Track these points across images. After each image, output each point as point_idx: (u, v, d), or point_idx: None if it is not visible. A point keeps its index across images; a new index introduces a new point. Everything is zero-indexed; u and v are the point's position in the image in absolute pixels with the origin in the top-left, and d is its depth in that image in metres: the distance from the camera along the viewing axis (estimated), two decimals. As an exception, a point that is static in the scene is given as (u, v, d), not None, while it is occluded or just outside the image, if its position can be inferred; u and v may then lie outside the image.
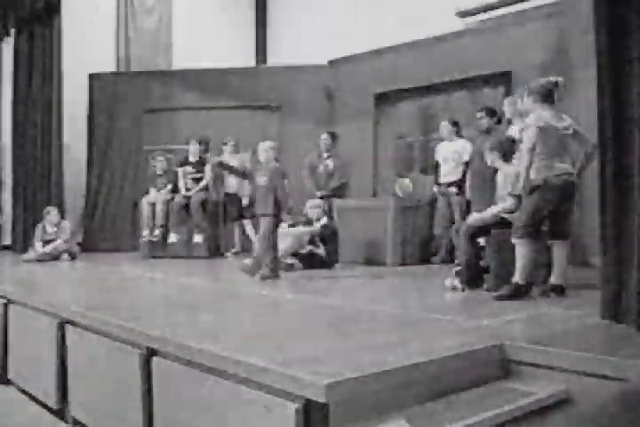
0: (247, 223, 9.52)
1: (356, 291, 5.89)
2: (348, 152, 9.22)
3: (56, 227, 9.22)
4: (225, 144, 9.61)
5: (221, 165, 7.23)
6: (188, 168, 9.49)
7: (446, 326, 3.73)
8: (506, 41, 8.35)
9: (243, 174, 7.07)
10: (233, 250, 9.63)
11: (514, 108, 6.27)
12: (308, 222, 7.71)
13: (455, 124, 8.01)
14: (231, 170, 7.36)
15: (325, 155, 8.90)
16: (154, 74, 11.31)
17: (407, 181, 8.49)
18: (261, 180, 6.51)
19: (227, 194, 9.59)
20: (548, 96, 4.84)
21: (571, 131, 4.81)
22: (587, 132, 4.79)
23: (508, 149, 5.45)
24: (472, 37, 8.89)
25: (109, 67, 11.74)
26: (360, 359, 2.81)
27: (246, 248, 9.63)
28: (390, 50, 9.69)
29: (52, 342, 4.36)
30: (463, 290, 5.28)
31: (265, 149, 6.65)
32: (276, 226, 6.59)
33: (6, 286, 5.79)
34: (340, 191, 8.75)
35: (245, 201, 9.45)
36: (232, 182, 9.54)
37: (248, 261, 7.52)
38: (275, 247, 6.51)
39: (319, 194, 8.61)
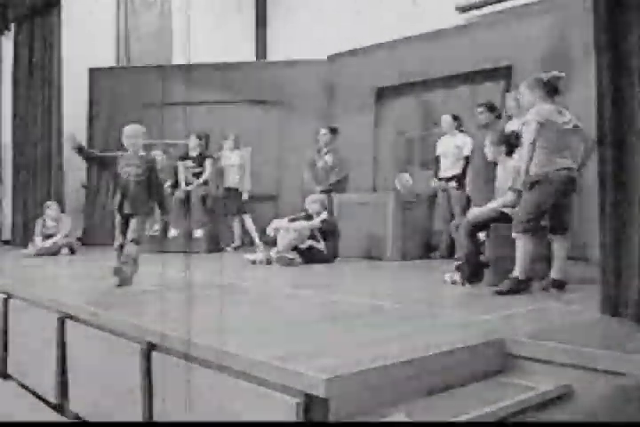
0: (247, 218, 9.52)
1: (356, 286, 5.89)
2: (348, 147, 9.20)
3: (56, 221, 9.21)
4: (225, 139, 9.62)
5: (80, 150, 5.34)
6: (189, 163, 9.48)
7: (446, 321, 3.73)
8: (506, 35, 8.33)
9: (101, 163, 5.59)
10: (233, 244, 9.64)
11: (517, 103, 6.26)
12: (309, 217, 7.71)
13: (457, 118, 8.00)
14: (89, 157, 5.61)
15: (324, 150, 8.89)
16: (153, 69, 11.28)
17: (407, 175, 8.48)
18: (131, 171, 5.26)
19: (227, 188, 9.58)
20: (551, 91, 4.84)
21: (571, 126, 4.81)
22: (586, 128, 4.79)
23: (513, 144, 5.44)
24: (472, 32, 8.87)
25: (109, 62, 11.73)
26: (360, 354, 2.81)
27: (246, 243, 9.64)
28: (390, 45, 9.68)
29: (51, 336, 4.36)
30: (463, 285, 5.28)
31: (134, 134, 5.34)
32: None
33: (6, 280, 5.79)
34: (339, 186, 8.73)
35: (245, 196, 9.46)
36: (232, 177, 9.54)
37: (250, 255, 7.54)
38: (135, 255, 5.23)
39: (318, 189, 8.60)
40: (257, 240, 9.34)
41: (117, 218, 5.31)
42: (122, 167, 5.24)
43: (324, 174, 8.81)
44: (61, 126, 10.46)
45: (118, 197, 5.26)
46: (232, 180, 9.54)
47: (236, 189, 9.50)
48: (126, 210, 5.22)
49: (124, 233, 5.23)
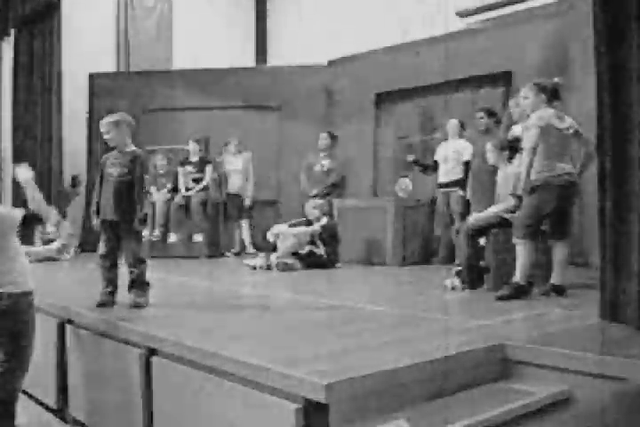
0: (245, 224, 9.48)
1: (356, 291, 5.89)
2: (348, 152, 9.22)
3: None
4: (227, 144, 9.60)
5: None
6: (189, 168, 9.48)
7: (446, 326, 3.73)
8: (506, 41, 8.35)
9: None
10: (233, 250, 9.62)
11: (521, 109, 6.25)
12: (309, 222, 7.71)
13: (462, 124, 8.03)
14: None
15: (322, 154, 8.90)
16: (154, 74, 11.30)
17: (407, 180, 8.48)
18: (114, 172, 4.52)
19: (228, 194, 9.55)
20: (551, 96, 4.85)
21: (572, 131, 4.81)
22: (586, 133, 4.79)
23: (516, 149, 5.45)
24: (472, 37, 8.88)
25: (109, 67, 11.73)
26: (360, 359, 2.81)
27: (247, 248, 9.62)
28: (390, 50, 9.69)
29: (51, 341, 4.35)
30: (463, 290, 5.28)
31: (105, 129, 4.57)
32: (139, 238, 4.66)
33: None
34: (334, 190, 8.72)
35: (248, 202, 9.42)
36: (235, 182, 9.50)
37: (250, 260, 7.53)
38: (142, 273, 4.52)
39: (314, 192, 8.61)
40: (251, 248, 9.31)
41: (99, 223, 4.62)
42: (107, 168, 4.57)
43: (320, 178, 8.81)
44: (61, 131, 10.47)
45: (101, 201, 4.61)
46: (235, 185, 9.50)
47: (238, 195, 9.47)
48: (109, 216, 4.52)
49: (109, 241, 4.57)
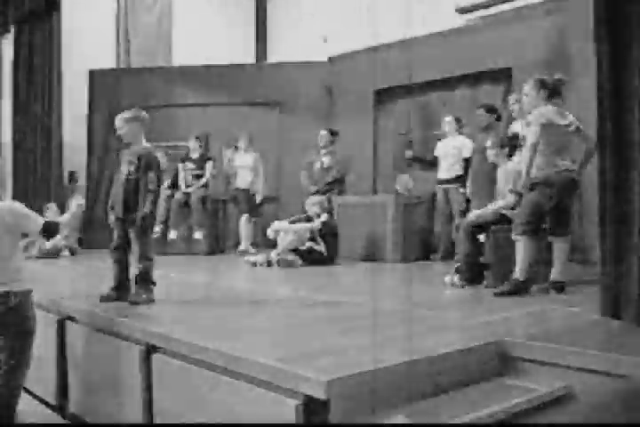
0: (247, 221, 9.42)
1: (356, 287, 5.88)
2: (347, 149, 9.20)
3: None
4: (236, 140, 9.51)
5: None
6: (189, 164, 9.45)
7: (446, 323, 3.73)
8: (506, 38, 8.33)
9: None
10: (241, 247, 9.54)
11: (520, 106, 6.26)
12: (309, 219, 7.71)
13: (458, 120, 8.02)
14: None
15: (322, 151, 8.88)
16: (154, 70, 11.29)
17: (407, 177, 8.49)
18: (124, 169, 4.50)
19: (236, 189, 9.45)
20: (553, 93, 4.85)
21: (573, 128, 4.81)
22: (586, 130, 4.79)
23: (516, 146, 5.46)
24: (472, 34, 8.87)
25: (109, 63, 11.72)
26: (360, 356, 2.81)
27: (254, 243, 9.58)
28: (390, 47, 9.67)
29: (51, 338, 4.35)
30: (463, 287, 5.28)
31: (118, 125, 4.56)
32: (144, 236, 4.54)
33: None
34: (335, 186, 8.71)
35: (259, 198, 9.32)
36: (245, 178, 9.41)
37: (250, 257, 7.53)
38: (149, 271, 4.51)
39: (314, 189, 8.60)
40: (243, 246, 9.22)
41: (112, 220, 4.60)
42: (120, 165, 4.56)
43: (320, 175, 8.80)
44: (61, 128, 10.46)
45: (112, 198, 4.61)
46: (243, 180, 9.41)
47: (248, 190, 9.37)
48: (117, 214, 4.51)
49: (120, 237, 4.54)
